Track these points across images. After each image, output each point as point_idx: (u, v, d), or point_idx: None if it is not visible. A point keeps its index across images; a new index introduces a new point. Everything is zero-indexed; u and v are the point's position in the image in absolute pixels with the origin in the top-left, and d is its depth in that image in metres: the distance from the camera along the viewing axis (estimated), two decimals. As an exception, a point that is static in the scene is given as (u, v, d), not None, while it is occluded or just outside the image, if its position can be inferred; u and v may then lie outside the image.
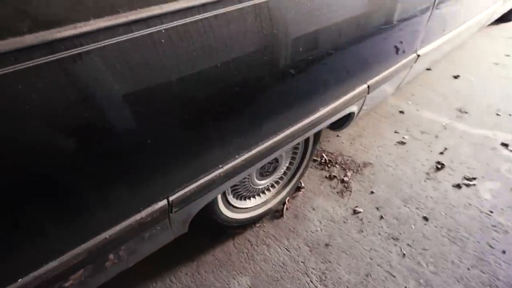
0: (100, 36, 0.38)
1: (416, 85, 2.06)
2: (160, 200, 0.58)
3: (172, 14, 0.43)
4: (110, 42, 0.39)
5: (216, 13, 0.47)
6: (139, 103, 0.45)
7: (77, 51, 0.36)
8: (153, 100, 0.46)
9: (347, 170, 1.42)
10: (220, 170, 0.65)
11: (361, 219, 1.21)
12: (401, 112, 1.82)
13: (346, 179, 1.37)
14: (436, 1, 0.99)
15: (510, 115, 1.74)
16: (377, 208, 1.25)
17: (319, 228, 1.18)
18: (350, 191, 1.33)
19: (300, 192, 1.31)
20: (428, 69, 2.23)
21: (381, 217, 1.22)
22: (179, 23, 0.44)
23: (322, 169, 1.44)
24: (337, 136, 1.64)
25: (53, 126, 0.38)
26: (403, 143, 1.58)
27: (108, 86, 0.41)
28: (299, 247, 1.11)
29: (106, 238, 0.52)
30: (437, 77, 2.15)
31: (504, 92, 1.94)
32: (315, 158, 1.48)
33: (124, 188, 0.51)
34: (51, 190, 0.42)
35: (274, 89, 0.64)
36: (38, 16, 0.33)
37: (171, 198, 0.59)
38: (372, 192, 1.32)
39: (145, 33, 0.41)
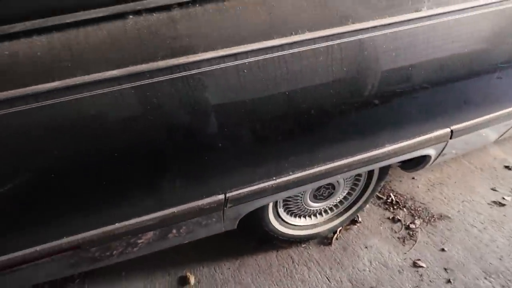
0: (205, 64, 0.53)
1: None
2: (219, 194, 0.70)
3: (256, 51, 0.55)
4: (213, 68, 0.54)
5: (292, 52, 0.57)
6: (223, 115, 0.58)
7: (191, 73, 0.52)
8: (233, 114, 0.59)
9: (416, 217, 1.28)
10: (273, 182, 0.74)
11: (421, 275, 1.07)
12: (508, 167, 1.51)
13: (412, 226, 1.24)
14: None
15: None
16: (445, 270, 1.08)
17: (367, 268, 1.10)
18: (415, 240, 1.19)
19: (355, 226, 1.26)
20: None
21: (449, 281, 1.05)
22: (260, 58, 0.56)
23: (386, 209, 1.34)
24: (412, 178, 1.49)
25: (168, 123, 0.55)
26: (501, 204, 1.31)
27: (207, 99, 0.55)
28: (341, 281, 1.07)
29: (174, 212, 0.67)
30: None
31: None
32: (381, 196, 1.39)
33: (198, 177, 0.66)
34: (166, 164, 0.61)
35: (335, 119, 0.69)
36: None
37: (228, 195, 0.71)
38: (443, 250, 1.15)
39: (233, 64, 0.54)
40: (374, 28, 0.60)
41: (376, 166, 0.90)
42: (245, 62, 0.55)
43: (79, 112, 0.49)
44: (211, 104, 0.56)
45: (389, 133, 0.81)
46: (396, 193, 1.41)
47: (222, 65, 0.54)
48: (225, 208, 0.73)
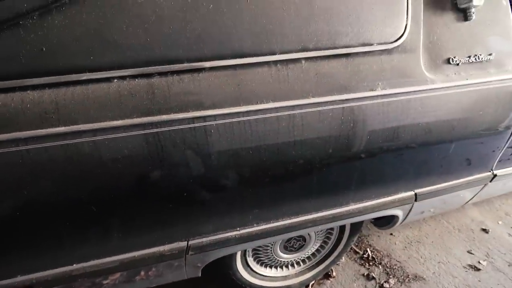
0: (175, 124, 0.59)
1: (515, 204, 1.71)
2: (181, 241, 0.72)
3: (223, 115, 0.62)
4: (183, 127, 0.60)
5: (256, 117, 0.64)
6: (190, 168, 0.63)
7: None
8: (199, 168, 0.64)
9: (390, 276, 1.26)
10: (237, 232, 0.76)
11: None
12: (484, 230, 1.52)
13: (386, 286, 1.22)
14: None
15: None
16: (416, 338, 1.05)
17: (336, 330, 1.06)
18: (387, 302, 1.16)
19: (329, 281, 1.23)
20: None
21: None
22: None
23: (362, 264, 1.32)
24: (391, 234, 1.50)
25: (133, 173, 0.60)
26: (476, 268, 1.30)
27: (176, 154, 0.61)
28: None
29: (134, 256, 0.68)
30: (552, 201, 1.73)
31: None
32: (357, 250, 1.39)
33: (160, 223, 0.69)
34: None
35: (297, 177, 0.74)
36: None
37: (190, 242, 0.73)
38: (415, 315, 1.12)
39: (202, 125, 0.61)
40: (333, 102, 0.69)
41: (342, 223, 0.93)
42: (213, 124, 0.62)
43: (51, 158, 0.54)
44: (179, 158, 0.62)
45: (353, 192, 0.85)
46: (373, 249, 1.41)
47: (191, 125, 0.61)
48: (187, 255, 0.75)
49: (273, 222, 0.80)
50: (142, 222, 0.67)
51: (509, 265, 1.31)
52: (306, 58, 0.66)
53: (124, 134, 0.57)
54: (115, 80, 0.57)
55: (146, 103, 0.58)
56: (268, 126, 0.65)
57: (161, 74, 0.58)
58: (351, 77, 0.70)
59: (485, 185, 1.07)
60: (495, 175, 1.04)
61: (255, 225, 0.78)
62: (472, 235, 1.49)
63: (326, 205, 0.84)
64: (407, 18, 0.72)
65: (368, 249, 1.39)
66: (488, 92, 0.84)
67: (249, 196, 0.73)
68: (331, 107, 0.69)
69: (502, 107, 0.87)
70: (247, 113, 0.63)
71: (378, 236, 1.49)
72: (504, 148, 0.97)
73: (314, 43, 0.66)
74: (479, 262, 1.33)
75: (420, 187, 0.94)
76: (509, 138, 0.95)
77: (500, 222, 1.58)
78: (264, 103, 0.64)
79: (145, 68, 0.57)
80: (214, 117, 0.62)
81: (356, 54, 0.69)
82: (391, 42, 0.71)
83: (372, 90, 0.71)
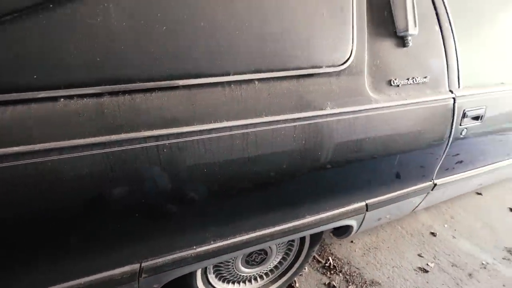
0: (126, 144, 0.58)
1: (459, 208, 1.89)
2: (134, 264, 0.69)
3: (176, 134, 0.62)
4: (136, 147, 0.59)
5: (210, 136, 0.65)
6: (143, 186, 0.62)
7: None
8: (151, 186, 0.63)
9: (350, 283, 1.32)
10: (193, 251, 0.75)
11: None
12: (433, 234, 1.66)
13: (346, 293, 1.27)
14: (452, 136, 1.03)
15: None
16: None
17: None
18: (347, 309, 1.21)
19: (292, 292, 1.25)
20: (478, 193, 2.05)
21: None
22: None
23: (323, 273, 1.37)
24: (351, 241, 1.57)
25: (83, 192, 0.57)
26: (425, 270, 1.41)
27: (127, 173, 0.59)
28: None
29: (80, 284, 0.64)
30: (488, 205, 1.94)
31: None
32: (320, 259, 1.43)
33: (110, 245, 0.66)
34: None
35: (251, 193, 0.76)
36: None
37: (143, 264, 0.70)
38: (372, 319, 1.17)
39: (154, 144, 0.60)
40: (285, 120, 0.72)
41: (300, 235, 0.95)
42: (166, 143, 0.61)
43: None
44: (130, 178, 0.60)
45: (308, 205, 0.89)
46: (335, 257, 1.46)
47: (143, 145, 0.60)
48: (140, 278, 0.72)
49: (231, 238, 0.80)
50: (90, 245, 0.64)
51: (452, 266, 1.44)
52: (259, 79, 0.69)
53: (71, 155, 0.55)
54: (62, 100, 0.54)
55: (95, 123, 0.56)
56: (222, 144, 0.66)
57: (111, 93, 0.57)
58: (302, 97, 0.74)
59: (428, 193, 1.17)
60: (435, 184, 1.15)
61: (212, 242, 0.78)
62: (422, 239, 1.62)
63: (283, 218, 0.86)
64: (352, 43, 0.78)
65: (330, 258, 1.44)
66: (424, 110, 0.93)
67: (205, 214, 0.73)
68: (283, 125, 0.72)
69: (437, 123, 0.97)
70: (201, 132, 0.64)
71: (340, 244, 1.55)
72: (442, 160, 1.08)
73: (266, 65, 0.69)
74: (427, 265, 1.44)
75: (370, 198, 1.00)
76: (445, 150, 1.05)
77: (446, 225, 1.73)
78: (218, 122, 0.65)
79: (95, 87, 0.56)
80: (167, 136, 0.61)
81: (307, 75, 0.74)
82: (339, 65, 0.77)
83: (321, 109, 0.76)
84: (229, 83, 0.66)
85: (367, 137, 0.84)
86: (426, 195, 1.18)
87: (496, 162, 1.38)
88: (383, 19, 0.85)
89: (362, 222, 1.07)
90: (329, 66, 0.76)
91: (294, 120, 0.73)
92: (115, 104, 0.57)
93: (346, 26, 0.77)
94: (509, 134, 1.27)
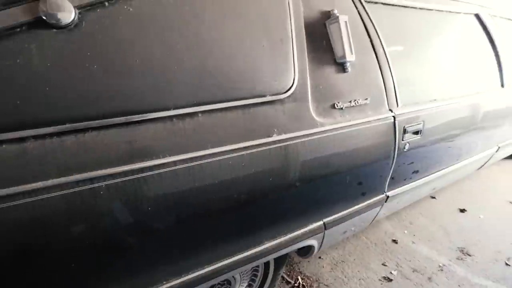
0: (55, 189, 0.54)
1: (416, 213, 2.01)
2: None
3: (114, 175, 0.59)
4: (69, 192, 0.55)
5: (152, 173, 0.63)
6: (81, 230, 0.57)
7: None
8: (89, 229, 0.59)
9: (319, 302, 1.31)
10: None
11: None
12: (395, 241, 1.73)
13: (315, 313, 1.26)
14: (397, 151, 1.10)
15: (522, 268, 1.55)
16: None
17: None
18: (316, 330, 1.20)
19: (261, 319, 1.22)
20: (432, 197, 2.20)
21: None
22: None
23: (293, 294, 1.35)
24: (319, 257, 1.58)
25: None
26: (389, 279, 1.45)
27: (59, 216, 0.54)
28: None
29: None
30: (442, 207, 2.08)
31: (516, 238, 1.78)
32: (289, 280, 1.42)
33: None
34: None
35: (205, 226, 0.74)
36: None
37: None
38: (341, 338, 1.17)
39: (89, 187, 0.57)
40: (232, 150, 0.72)
41: (262, 261, 0.94)
42: (102, 185, 0.58)
43: None
44: (61, 225, 0.56)
45: (265, 231, 0.89)
46: (304, 276, 1.46)
47: (77, 189, 0.56)
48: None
49: (185, 275, 0.77)
50: None
51: (413, 271, 1.51)
52: (203, 111, 0.69)
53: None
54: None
55: (15, 170, 0.52)
56: (167, 180, 0.65)
57: (36, 137, 0.53)
58: (248, 126, 0.75)
59: (382, 205, 1.23)
60: (388, 196, 1.21)
61: (164, 282, 0.74)
62: (385, 247, 1.68)
63: (242, 247, 0.85)
64: (294, 72, 0.82)
65: (299, 277, 1.43)
66: (368, 130, 0.99)
67: (153, 254, 0.69)
68: (231, 155, 0.72)
69: (382, 140, 1.04)
70: (142, 170, 0.61)
71: (308, 261, 1.56)
72: (391, 173, 1.15)
73: (209, 97, 0.70)
74: (391, 273, 1.49)
75: (327, 217, 1.03)
76: (392, 164, 1.12)
77: (406, 232, 1.82)
78: (160, 158, 0.64)
79: (17, 132, 0.52)
80: (104, 177, 0.58)
81: (252, 105, 0.75)
82: (283, 93, 0.80)
83: (269, 136, 0.78)
84: (170, 117, 0.65)
85: (316, 159, 0.87)
86: (381, 208, 1.24)
87: (445, 168, 1.50)
88: (323, 48, 0.91)
89: (322, 240, 1.08)
90: (273, 95, 0.78)
91: (241, 149, 0.73)
92: (41, 149, 0.54)
93: (287, 56, 0.81)
94: (452, 142, 1.39)
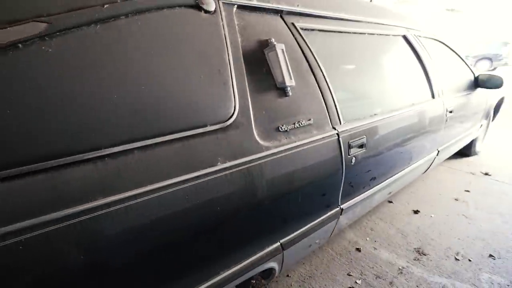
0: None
1: (377, 219, 2.11)
2: None
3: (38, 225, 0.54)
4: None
5: (89, 216, 0.59)
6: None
7: None
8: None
9: (287, 324, 1.29)
10: None
11: None
12: (358, 249, 1.79)
13: (284, 337, 1.23)
14: (344, 166, 1.16)
15: (469, 260, 1.68)
16: None
17: None
18: None
19: None
20: (390, 202, 2.33)
21: None
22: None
23: (261, 320, 1.32)
24: (287, 275, 1.57)
25: None
26: (355, 290, 1.49)
27: None
28: None
29: None
30: (398, 210, 2.21)
31: (463, 232, 1.94)
32: (257, 304, 1.38)
33: None
34: None
35: (153, 265, 0.70)
36: None
37: None
38: None
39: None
40: (174, 184, 0.70)
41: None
42: (21, 239, 0.53)
43: None
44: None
45: (221, 261, 0.87)
46: (272, 297, 1.43)
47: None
48: None
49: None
50: None
51: (376, 278, 1.56)
52: (138, 148, 0.67)
53: None
54: None
55: None
56: (99, 224, 0.61)
57: None
58: (190, 158, 0.74)
59: (338, 218, 1.28)
60: (342, 209, 1.26)
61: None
62: (350, 257, 1.73)
63: (195, 280, 0.82)
64: (235, 100, 0.84)
65: (267, 300, 1.41)
66: (315, 148, 1.04)
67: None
68: (171, 189, 0.70)
69: (329, 157, 1.09)
70: (67, 217, 0.57)
71: (276, 281, 1.54)
72: (342, 187, 1.21)
73: (145, 133, 0.68)
74: (356, 282, 1.53)
75: (284, 237, 1.04)
76: (342, 178, 1.18)
77: (367, 239, 1.89)
78: (90, 201, 0.60)
79: None
80: (19, 231, 0.53)
81: (191, 136, 0.75)
82: (224, 122, 0.81)
83: (213, 165, 0.78)
84: (101, 157, 0.62)
85: (265, 182, 0.89)
86: (337, 221, 1.28)
87: (393, 175, 1.61)
88: (264, 75, 0.95)
89: (282, 261, 1.08)
90: (214, 124, 0.79)
91: (183, 182, 0.72)
92: None
93: (226, 86, 0.83)
94: (396, 150, 1.50)
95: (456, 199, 2.36)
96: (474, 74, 2.40)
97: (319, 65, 1.13)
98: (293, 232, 1.07)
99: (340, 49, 1.33)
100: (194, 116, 0.76)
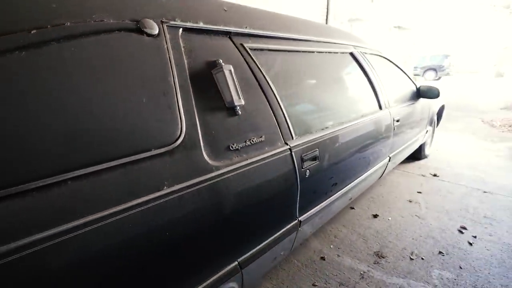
0: None
1: (340, 226, 2.19)
2: None
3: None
4: None
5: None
6: None
7: None
8: None
9: None
10: None
11: None
12: (323, 258, 1.83)
13: None
14: (299, 179, 1.20)
15: (422, 258, 1.81)
16: None
17: None
18: None
19: None
20: (352, 208, 2.44)
21: None
22: None
23: None
24: (253, 293, 1.55)
25: None
26: (319, 300, 1.51)
27: None
28: None
29: None
30: (359, 216, 2.32)
31: (416, 232, 2.09)
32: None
33: None
34: None
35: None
36: None
37: None
38: None
39: None
40: (117, 212, 0.68)
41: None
42: None
43: None
44: None
45: (176, 286, 0.83)
46: (238, 318, 1.40)
47: None
48: None
49: None
50: None
51: (340, 285, 1.60)
52: (73, 178, 0.64)
53: None
54: None
55: None
56: (35, 261, 0.56)
57: None
58: (133, 184, 0.72)
59: (298, 230, 1.31)
60: (301, 221, 1.30)
61: None
62: (315, 266, 1.76)
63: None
64: (181, 122, 0.84)
65: (232, 321, 1.37)
66: (268, 165, 1.06)
67: None
68: (112, 219, 0.67)
69: (283, 172, 1.12)
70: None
71: (242, 300, 1.51)
72: (299, 200, 1.24)
73: (82, 161, 0.65)
74: (320, 292, 1.56)
75: (241, 256, 1.03)
76: (298, 191, 1.21)
77: (331, 246, 1.95)
78: (20, 239, 0.55)
79: None
80: None
81: (135, 162, 0.73)
82: (170, 145, 0.80)
83: (159, 190, 0.76)
84: (30, 191, 0.58)
85: (217, 203, 0.88)
86: (297, 232, 1.31)
87: (353, 181, 1.70)
88: (212, 95, 0.97)
89: (242, 280, 1.07)
90: (159, 148, 0.78)
91: (126, 210, 0.69)
92: None
93: (171, 108, 0.83)
94: (349, 160, 1.59)
95: (410, 201, 2.54)
96: (416, 86, 2.66)
97: (269, 84, 1.18)
98: (250, 250, 1.06)
99: (291, 67, 1.40)
100: (137, 141, 0.74)
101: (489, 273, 1.65)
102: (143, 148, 0.75)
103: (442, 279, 1.63)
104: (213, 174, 0.88)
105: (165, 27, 0.91)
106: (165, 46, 0.88)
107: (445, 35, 22.10)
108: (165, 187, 0.77)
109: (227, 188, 0.92)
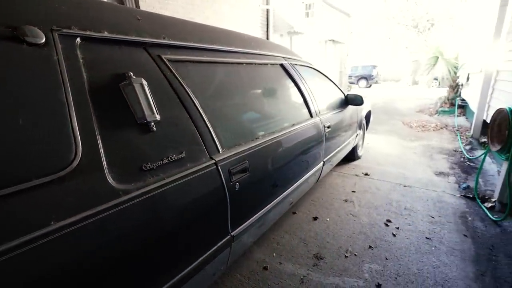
0: None
1: (282, 232, 2.22)
2: None
3: None
4: None
5: None
6: None
7: None
8: None
9: None
10: None
11: None
12: (265, 268, 1.83)
13: None
14: (228, 193, 1.17)
15: (355, 255, 1.93)
16: None
17: None
18: None
19: None
20: (294, 213, 2.51)
21: None
22: None
23: None
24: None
25: None
26: (261, 313, 1.49)
27: None
28: None
29: None
30: (301, 220, 2.40)
31: (351, 230, 2.24)
32: None
33: None
34: None
35: None
36: None
37: None
38: None
39: None
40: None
41: None
42: None
43: None
44: None
45: None
46: None
47: None
48: None
49: None
50: None
51: (281, 294, 1.61)
52: None
53: None
54: None
55: None
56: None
57: None
58: (9, 224, 0.59)
59: (231, 245, 1.27)
60: (233, 236, 1.26)
61: None
62: (257, 278, 1.74)
63: None
64: (76, 144, 0.74)
65: None
66: (191, 182, 1.00)
67: None
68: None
69: (209, 188, 1.08)
70: None
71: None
72: (230, 214, 1.21)
73: None
74: (262, 304, 1.54)
75: (166, 282, 0.94)
76: (228, 206, 1.18)
77: (274, 254, 1.96)
78: None
79: None
80: None
81: (11, 195, 0.61)
82: (60, 171, 0.69)
83: (47, 226, 0.64)
84: None
85: (130, 232, 0.79)
86: (231, 248, 1.27)
87: (289, 187, 1.73)
88: (120, 111, 0.88)
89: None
90: (45, 176, 0.66)
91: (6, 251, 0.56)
92: None
93: (62, 129, 0.72)
94: (282, 169, 1.62)
95: (346, 200, 2.73)
96: (344, 94, 2.91)
97: (190, 97, 1.13)
98: (178, 274, 0.98)
99: (217, 79, 1.38)
100: (12, 172, 0.62)
101: (408, 260, 1.85)
102: (20, 179, 0.63)
103: (371, 272, 1.76)
104: (120, 200, 0.79)
105: (56, 36, 0.80)
106: (55, 57, 0.77)
107: (372, 48, 25.26)
108: (52, 222, 0.65)
109: (141, 213, 0.83)
